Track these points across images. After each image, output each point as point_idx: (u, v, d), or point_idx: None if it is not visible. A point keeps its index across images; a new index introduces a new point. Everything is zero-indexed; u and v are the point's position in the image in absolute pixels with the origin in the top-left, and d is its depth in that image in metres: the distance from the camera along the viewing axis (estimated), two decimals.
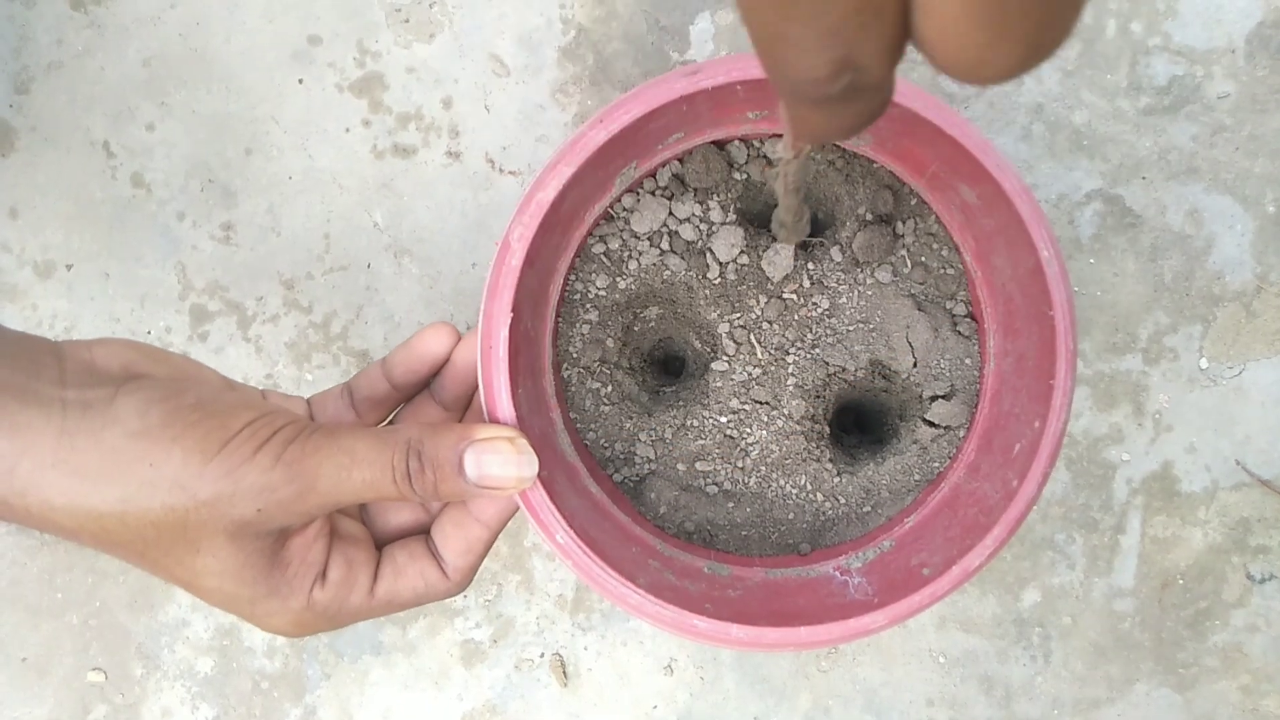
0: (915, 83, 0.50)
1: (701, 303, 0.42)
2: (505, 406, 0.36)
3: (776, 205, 0.44)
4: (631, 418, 0.43)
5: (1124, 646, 0.52)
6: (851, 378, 0.42)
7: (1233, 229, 0.51)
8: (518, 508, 0.36)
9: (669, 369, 0.48)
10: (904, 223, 0.42)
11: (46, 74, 0.52)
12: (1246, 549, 0.52)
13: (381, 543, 0.37)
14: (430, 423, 0.37)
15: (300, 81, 0.52)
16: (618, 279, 0.42)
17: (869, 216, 0.42)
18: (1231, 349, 0.51)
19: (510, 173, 0.52)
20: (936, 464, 0.42)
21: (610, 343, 0.43)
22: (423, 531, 0.37)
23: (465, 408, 0.39)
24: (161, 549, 0.31)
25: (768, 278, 0.41)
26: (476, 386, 0.37)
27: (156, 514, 0.30)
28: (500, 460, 0.33)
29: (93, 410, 0.30)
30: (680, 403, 0.43)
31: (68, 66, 0.52)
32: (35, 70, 0.52)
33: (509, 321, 0.36)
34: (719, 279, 0.42)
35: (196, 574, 0.31)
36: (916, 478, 0.42)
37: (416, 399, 0.39)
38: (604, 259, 0.42)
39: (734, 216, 0.42)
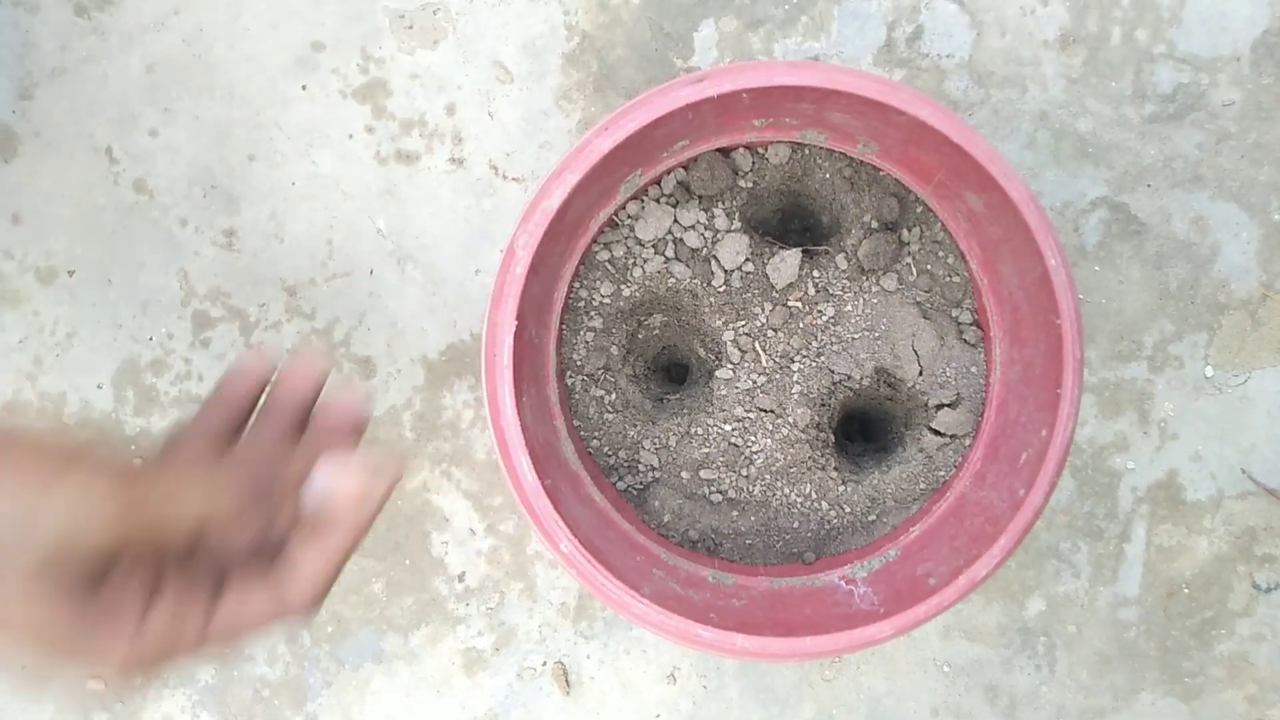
0: (920, 89, 0.50)
1: (706, 310, 0.42)
2: (510, 415, 0.36)
3: (781, 212, 0.44)
4: (635, 425, 0.43)
5: (1129, 655, 0.52)
6: (857, 385, 0.42)
7: (1238, 237, 0.50)
8: (369, 526, 0.33)
9: (673, 376, 0.48)
10: (910, 230, 0.42)
11: (50, 80, 0.52)
12: (1252, 558, 0.51)
13: (222, 565, 0.33)
14: (269, 446, 0.34)
15: (304, 88, 0.52)
16: (622, 286, 0.42)
17: (874, 224, 0.42)
18: (1237, 357, 0.51)
19: (514, 179, 0.52)
20: (942, 472, 0.42)
21: (614, 350, 0.43)
22: (270, 551, 0.33)
23: (303, 426, 0.35)
24: None
25: (773, 285, 0.41)
26: (312, 403, 0.35)
27: None
28: (342, 483, 0.31)
29: None
30: (684, 410, 0.43)
31: (71, 72, 0.52)
32: (39, 76, 0.52)
33: (514, 329, 0.36)
34: (724, 286, 0.42)
35: None
36: (922, 486, 0.42)
37: (257, 422, 0.35)
38: (609, 266, 0.42)
39: (739, 224, 0.42)
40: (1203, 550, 0.52)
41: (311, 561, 0.33)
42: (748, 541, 0.42)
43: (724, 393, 0.42)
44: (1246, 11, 0.50)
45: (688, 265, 0.42)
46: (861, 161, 0.41)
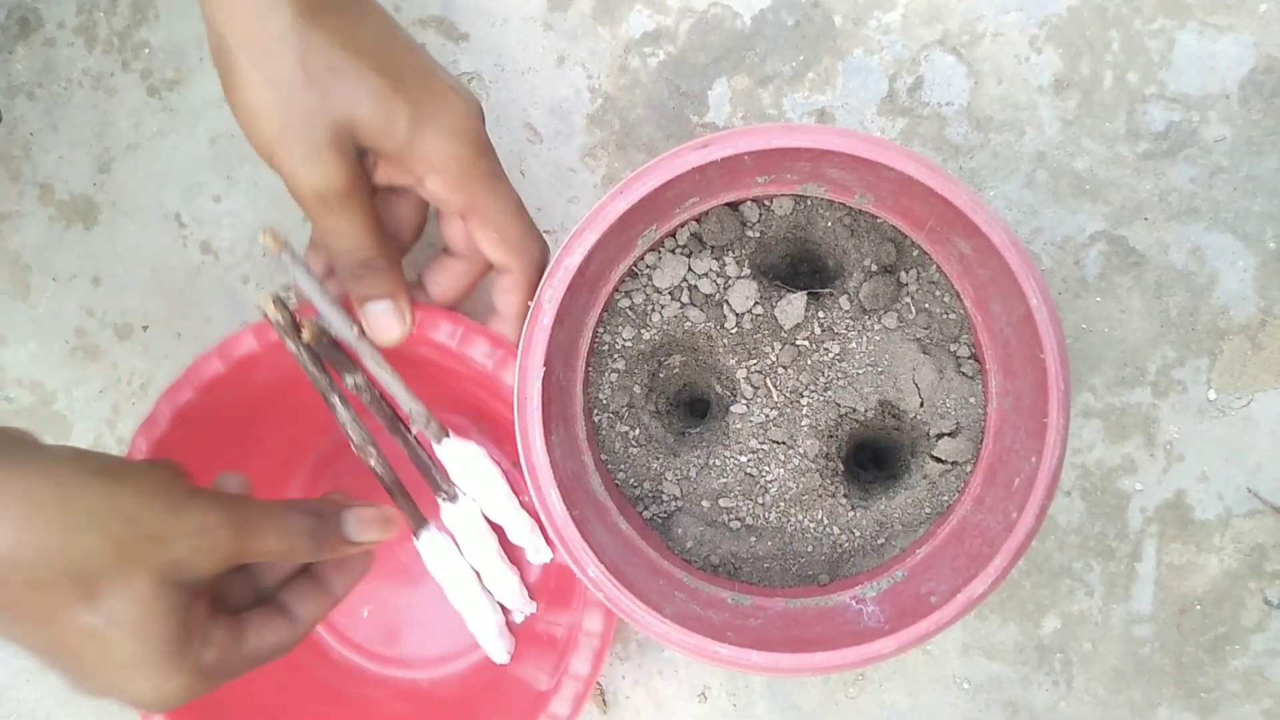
0: (921, 135, 0.53)
1: (720, 350, 0.45)
2: (539, 452, 0.39)
3: (788, 258, 0.47)
4: (658, 458, 0.46)
5: (1145, 671, 0.54)
6: (862, 418, 0.45)
7: (1234, 265, 0.53)
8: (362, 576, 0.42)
9: (694, 410, 0.51)
10: (907, 272, 0.45)
11: (125, 154, 0.57)
12: (1263, 574, 0.53)
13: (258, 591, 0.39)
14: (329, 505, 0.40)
15: None
16: (642, 330, 0.46)
17: (874, 267, 0.45)
18: (1239, 380, 0.53)
19: (545, 232, 0.56)
20: (945, 497, 0.44)
21: (637, 389, 0.47)
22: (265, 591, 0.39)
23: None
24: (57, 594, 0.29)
25: (781, 326, 0.45)
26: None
27: (92, 546, 0.29)
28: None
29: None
30: (703, 443, 0.47)
31: (144, 147, 0.57)
32: (116, 151, 0.57)
33: (542, 375, 0.39)
34: (736, 328, 0.45)
35: (90, 630, 0.30)
36: (927, 510, 0.45)
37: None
38: (629, 312, 0.45)
39: (748, 270, 0.45)
40: (1213, 568, 0.53)
41: (311, 606, 0.39)
42: (765, 565, 0.45)
43: (739, 426, 0.45)
44: (1233, 52, 0.52)
45: (702, 310, 0.45)
46: (860, 211, 0.44)
